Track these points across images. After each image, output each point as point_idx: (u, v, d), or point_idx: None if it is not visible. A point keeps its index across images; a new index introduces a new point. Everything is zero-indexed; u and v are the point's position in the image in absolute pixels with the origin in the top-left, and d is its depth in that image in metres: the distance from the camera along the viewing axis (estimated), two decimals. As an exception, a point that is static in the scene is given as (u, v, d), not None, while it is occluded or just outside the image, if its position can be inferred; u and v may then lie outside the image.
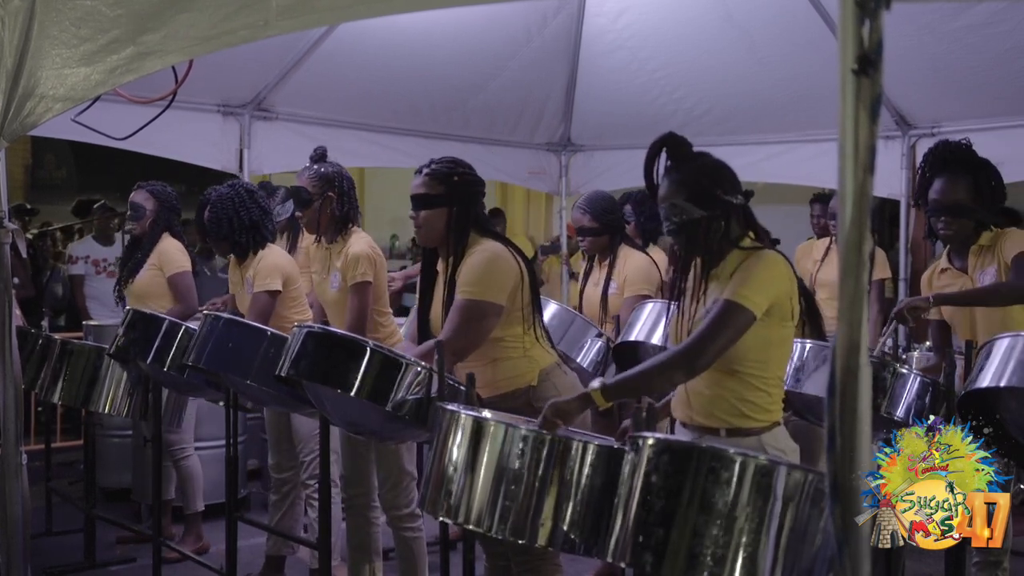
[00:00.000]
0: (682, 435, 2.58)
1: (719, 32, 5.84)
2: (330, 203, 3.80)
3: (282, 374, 3.08)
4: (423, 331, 3.28)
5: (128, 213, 4.93)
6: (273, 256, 4.22)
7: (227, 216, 4.17)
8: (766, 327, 2.46)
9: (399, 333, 3.85)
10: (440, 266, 3.24)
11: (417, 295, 3.34)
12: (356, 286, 3.69)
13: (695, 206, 2.50)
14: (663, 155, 2.57)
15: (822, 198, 5.99)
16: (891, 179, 6.18)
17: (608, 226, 4.53)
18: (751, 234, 2.57)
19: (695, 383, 2.53)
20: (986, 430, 3.08)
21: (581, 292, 4.74)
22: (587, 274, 4.74)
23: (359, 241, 3.78)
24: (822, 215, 5.86)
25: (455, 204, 3.16)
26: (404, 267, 8.23)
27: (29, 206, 9.69)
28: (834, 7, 5.05)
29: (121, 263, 5.08)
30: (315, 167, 3.87)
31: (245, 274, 4.23)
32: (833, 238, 5.41)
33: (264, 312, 4.06)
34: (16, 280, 6.62)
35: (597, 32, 6.23)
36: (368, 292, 3.69)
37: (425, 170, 3.21)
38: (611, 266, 4.53)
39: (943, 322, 3.65)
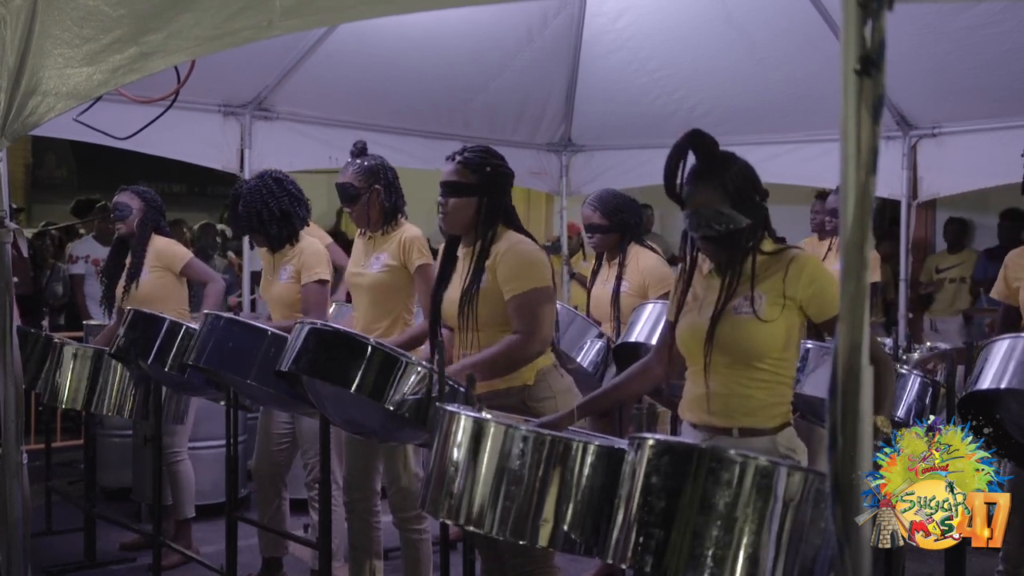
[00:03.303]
0: (691, 436, 2.58)
1: (719, 32, 5.85)
2: (378, 195, 3.77)
3: (283, 369, 3.09)
4: (435, 315, 3.26)
5: (113, 214, 4.85)
6: (315, 246, 4.21)
7: (256, 208, 4.11)
8: (792, 325, 2.47)
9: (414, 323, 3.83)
10: (461, 251, 3.22)
11: (435, 278, 3.32)
12: (420, 268, 3.69)
13: (742, 214, 2.45)
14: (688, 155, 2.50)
15: (825, 195, 5.98)
16: (892, 179, 6.19)
17: (618, 224, 4.50)
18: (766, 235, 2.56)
19: (715, 385, 2.52)
20: (986, 430, 3.09)
21: (589, 291, 4.73)
22: (595, 273, 4.72)
23: (411, 228, 3.78)
24: (820, 211, 5.87)
25: (486, 195, 3.13)
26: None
27: (15, 206, 9.67)
28: (835, 7, 5.06)
29: (108, 267, 4.97)
30: (358, 161, 3.83)
31: (280, 263, 4.20)
32: (833, 238, 5.41)
33: (320, 302, 4.06)
34: (16, 279, 6.61)
35: (597, 32, 6.23)
36: (431, 272, 3.62)
37: (458, 157, 3.17)
38: (621, 265, 4.50)
39: (1011, 307, 3.61)
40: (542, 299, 3.04)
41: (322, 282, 4.12)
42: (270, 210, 4.13)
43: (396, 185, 3.83)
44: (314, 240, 4.29)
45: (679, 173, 2.50)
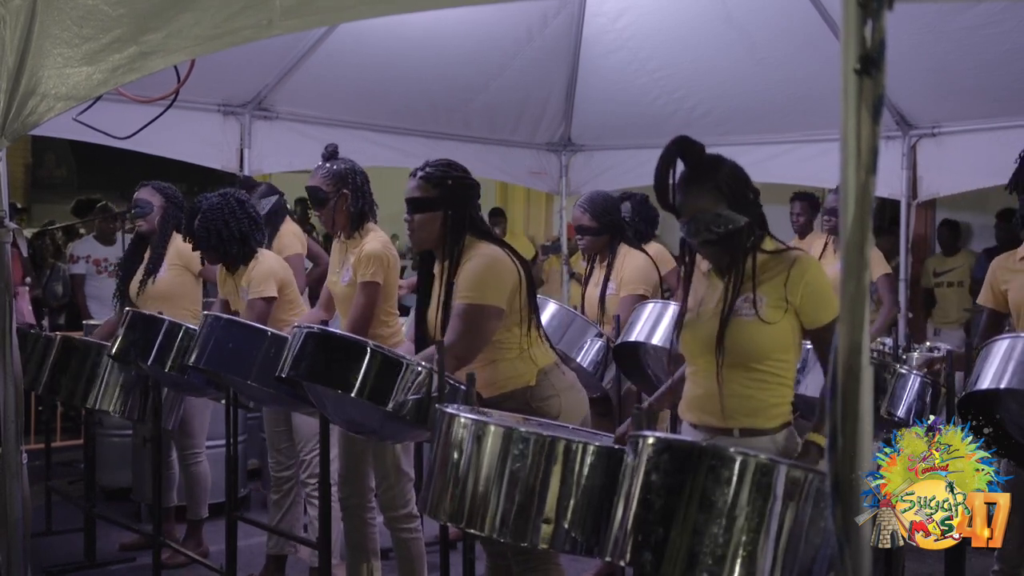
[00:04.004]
0: (692, 437, 2.57)
1: (719, 32, 5.85)
2: (345, 200, 3.79)
3: (283, 375, 3.08)
4: (421, 334, 3.28)
5: (134, 210, 4.78)
6: (267, 262, 4.20)
7: (215, 227, 4.11)
8: (793, 327, 2.47)
9: (402, 333, 3.85)
10: (436, 269, 3.24)
11: (415, 299, 3.34)
12: (364, 284, 3.69)
13: (739, 214, 2.45)
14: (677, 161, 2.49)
15: (802, 196, 6.02)
16: (891, 179, 6.19)
17: (607, 226, 4.52)
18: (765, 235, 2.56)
19: (716, 385, 2.52)
20: (986, 430, 3.09)
21: (583, 294, 4.74)
22: (588, 276, 4.73)
23: (374, 240, 3.77)
24: (802, 213, 5.91)
25: (449, 208, 3.14)
26: (404, 267, 8.21)
27: (19, 206, 9.68)
28: (835, 7, 5.06)
29: (125, 262, 4.94)
30: (327, 165, 3.84)
31: (239, 282, 4.21)
32: (832, 238, 5.42)
33: (260, 319, 4.04)
34: (28, 279, 6.63)
35: (597, 32, 6.23)
36: (375, 292, 3.69)
37: (419, 173, 3.19)
38: (609, 266, 4.52)
39: (997, 312, 3.59)
40: (478, 317, 3.02)
41: (267, 300, 4.11)
42: (229, 230, 4.13)
43: (365, 190, 3.84)
44: (269, 256, 4.28)
45: (669, 180, 2.47)
